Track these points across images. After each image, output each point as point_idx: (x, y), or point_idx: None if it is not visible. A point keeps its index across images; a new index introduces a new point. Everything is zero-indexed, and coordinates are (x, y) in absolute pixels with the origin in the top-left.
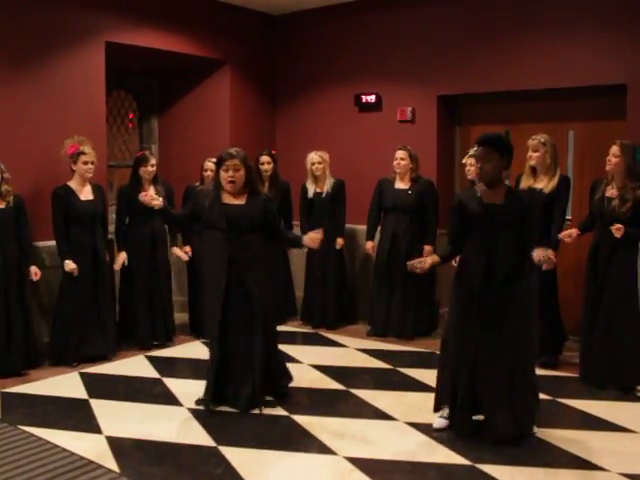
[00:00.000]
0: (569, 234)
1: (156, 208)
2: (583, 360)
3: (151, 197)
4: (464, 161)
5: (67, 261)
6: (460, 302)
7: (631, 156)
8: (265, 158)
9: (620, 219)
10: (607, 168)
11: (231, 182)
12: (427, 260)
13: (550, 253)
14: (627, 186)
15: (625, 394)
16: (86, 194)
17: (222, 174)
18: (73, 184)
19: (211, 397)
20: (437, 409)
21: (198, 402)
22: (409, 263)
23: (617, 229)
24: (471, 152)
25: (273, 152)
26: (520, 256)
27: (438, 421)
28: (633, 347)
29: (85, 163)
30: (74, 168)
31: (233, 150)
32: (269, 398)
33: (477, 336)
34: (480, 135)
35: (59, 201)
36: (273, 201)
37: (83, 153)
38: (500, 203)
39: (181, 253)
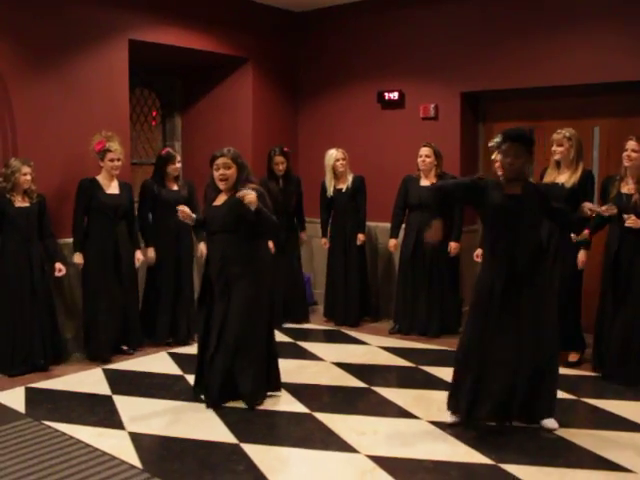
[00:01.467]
0: (581, 262)
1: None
2: (599, 358)
3: (188, 214)
4: (493, 157)
5: (77, 254)
6: (481, 299)
7: None
8: (279, 159)
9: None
10: (626, 164)
11: (222, 180)
12: (435, 225)
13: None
14: None
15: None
16: (112, 189)
17: (214, 173)
18: (100, 178)
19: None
20: (450, 409)
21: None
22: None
23: (631, 220)
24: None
25: (286, 149)
26: (540, 249)
27: (451, 417)
28: None
29: (112, 160)
30: (101, 164)
31: (225, 149)
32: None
33: (497, 332)
34: (507, 130)
35: (83, 191)
36: (260, 196)
37: (109, 150)
38: (519, 194)
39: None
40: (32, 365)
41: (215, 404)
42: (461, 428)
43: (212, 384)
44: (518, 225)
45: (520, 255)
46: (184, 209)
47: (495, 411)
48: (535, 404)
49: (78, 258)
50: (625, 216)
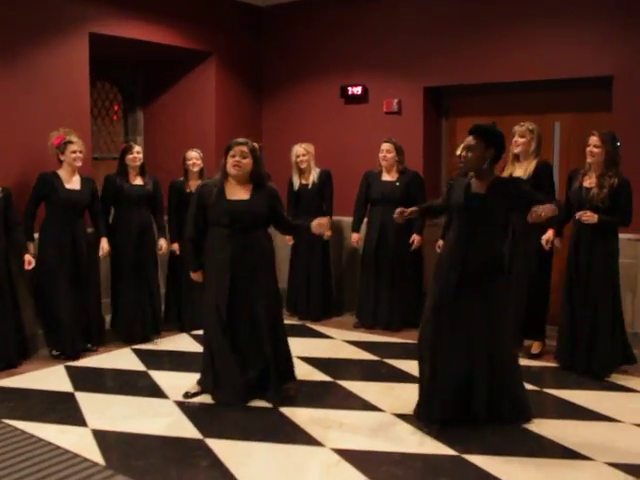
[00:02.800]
0: (546, 240)
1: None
2: (561, 349)
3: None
4: (458, 152)
5: (30, 243)
6: (435, 294)
7: (611, 145)
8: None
9: (599, 207)
10: (588, 160)
11: (236, 166)
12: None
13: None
14: (605, 174)
15: (605, 381)
16: (73, 184)
17: (229, 160)
18: (61, 172)
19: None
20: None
21: (188, 395)
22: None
23: (588, 216)
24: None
25: (259, 144)
26: (498, 250)
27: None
28: (609, 335)
29: (73, 152)
30: (62, 158)
31: (243, 139)
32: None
33: (451, 331)
34: (473, 124)
35: (42, 184)
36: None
37: (70, 142)
38: (482, 193)
39: (165, 244)
40: (4, 363)
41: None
42: (425, 422)
43: (241, 381)
44: (474, 225)
45: (473, 254)
46: (321, 222)
47: (447, 411)
48: (502, 405)
49: (31, 248)
50: (579, 213)
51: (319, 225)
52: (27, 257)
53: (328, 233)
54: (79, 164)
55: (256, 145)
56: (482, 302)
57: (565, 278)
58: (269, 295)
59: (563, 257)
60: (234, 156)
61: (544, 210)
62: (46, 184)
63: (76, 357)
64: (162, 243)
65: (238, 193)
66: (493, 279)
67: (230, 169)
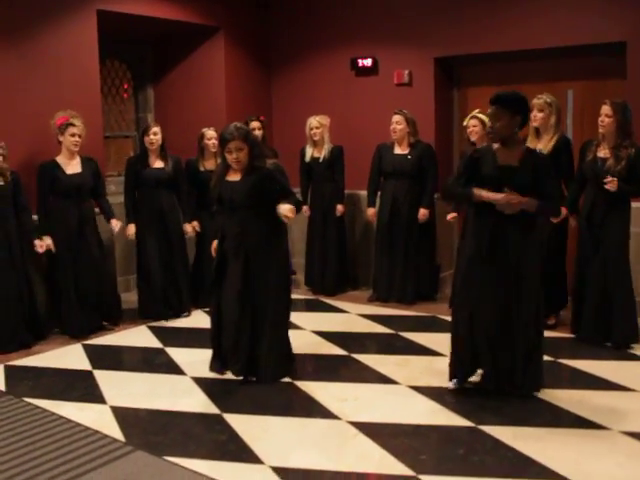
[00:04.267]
0: (572, 224)
1: None
2: (577, 319)
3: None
4: (465, 123)
5: (44, 237)
6: (468, 265)
7: (623, 114)
8: (255, 124)
9: (616, 178)
10: (600, 130)
11: (237, 162)
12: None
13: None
14: (620, 145)
15: (621, 351)
16: (73, 167)
17: (227, 155)
18: (60, 158)
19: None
20: (451, 378)
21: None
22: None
23: (611, 182)
24: (474, 113)
25: (262, 118)
26: (528, 219)
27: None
28: (624, 305)
29: (72, 135)
30: (61, 139)
31: (233, 128)
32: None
33: (486, 296)
34: (494, 93)
35: (44, 174)
36: (281, 172)
37: (72, 125)
38: (515, 165)
39: (189, 228)
40: (19, 343)
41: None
42: (441, 392)
43: (240, 356)
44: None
45: (507, 224)
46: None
47: (490, 379)
48: (525, 376)
49: (46, 240)
50: (606, 179)
51: (280, 212)
52: (37, 242)
53: (285, 218)
54: (76, 149)
55: (254, 124)
56: (512, 270)
57: (577, 249)
58: (267, 276)
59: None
60: (231, 153)
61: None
62: (47, 173)
63: (90, 336)
64: (186, 228)
65: (233, 176)
66: (524, 248)
67: (232, 164)
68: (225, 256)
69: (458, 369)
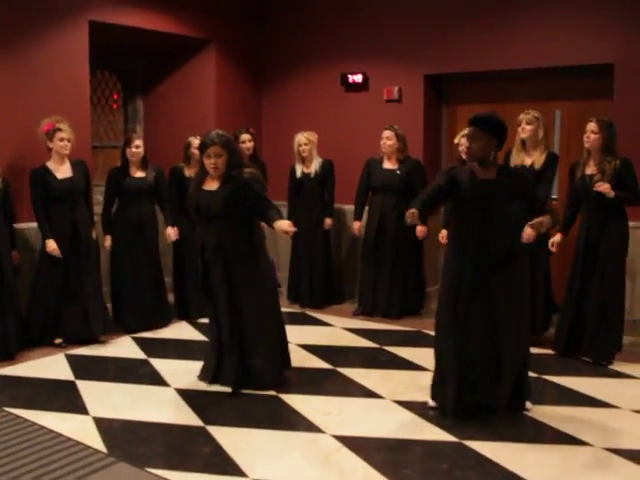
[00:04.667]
0: (552, 243)
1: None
2: (561, 336)
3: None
4: (456, 140)
5: (48, 241)
6: (452, 283)
7: (608, 132)
8: (246, 136)
9: (604, 193)
10: (586, 145)
11: (215, 168)
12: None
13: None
14: (604, 160)
15: (605, 367)
16: (64, 172)
17: (205, 160)
18: (51, 164)
19: (207, 375)
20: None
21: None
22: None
23: (605, 188)
24: (465, 131)
25: (251, 130)
26: (517, 234)
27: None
28: (614, 322)
29: (61, 140)
30: (50, 146)
31: (214, 135)
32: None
33: (469, 318)
34: (473, 114)
35: (36, 182)
36: (258, 182)
37: (59, 130)
38: (492, 178)
39: (171, 232)
40: (5, 353)
41: (236, 389)
42: (427, 408)
43: (233, 370)
44: (491, 208)
45: (493, 239)
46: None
47: (478, 399)
48: (514, 392)
49: (50, 245)
50: (597, 185)
51: (282, 227)
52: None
53: (285, 234)
54: (66, 152)
55: (244, 137)
56: (499, 288)
57: (571, 266)
58: (245, 287)
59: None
60: (209, 157)
61: (543, 224)
62: (39, 179)
63: (78, 345)
64: (169, 231)
65: (211, 183)
66: (510, 265)
67: (210, 170)
68: (207, 266)
69: (439, 390)
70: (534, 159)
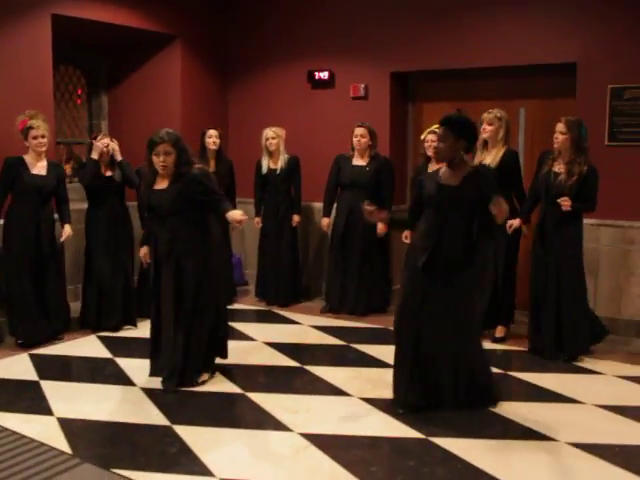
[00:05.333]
0: (510, 224)
1: None
2: (531, 333)
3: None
4: (423, 137)
5: None
6: (406, 282)
7: (577, 132)
8: (213, 132)
9: (566, 193)
10: (555, 146)
11: (163, 167)
12: (381, 214)
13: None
14: (574, 160)
15: (570, 364)
16: (39, 169)
17: (154, 158)
18: (28, 157)
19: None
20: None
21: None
22: (366, 208)
23: (564, 201)
24: (432, 128)
25: (218, 128)
26: (469, 240)
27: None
28: (578, 318)
29: (35, 137)
30: (26, 144)
31: (164, 133)
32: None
33: (421, 316)
34: (444, 114)
35: (7, 170)
36: (207, 176)
37: (32, 128)
38: (455, 185)
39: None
40: None
41: (177, 386)
42: (392, 404)
43: (175, 365)
44: (446, 216)
45: (445, 244)
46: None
47: (425, 397)
48: (470, 390)
49: None
50: (560, 200)
51: (234, 217)
52: None
53: (238, 224)
54: (42, 149)
55: (212, 132)
56: (450, 289)
57: (531, 261)
58: (198, 281)
59: (529, 242)
60: (158, 155)
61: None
62: (11, 169)
63: (40, 345)
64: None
65: (162, 183)
66: (463, 268)
67: (158, 169)
68: (159, 262)
69: (401, 388)
70: (491, 158)
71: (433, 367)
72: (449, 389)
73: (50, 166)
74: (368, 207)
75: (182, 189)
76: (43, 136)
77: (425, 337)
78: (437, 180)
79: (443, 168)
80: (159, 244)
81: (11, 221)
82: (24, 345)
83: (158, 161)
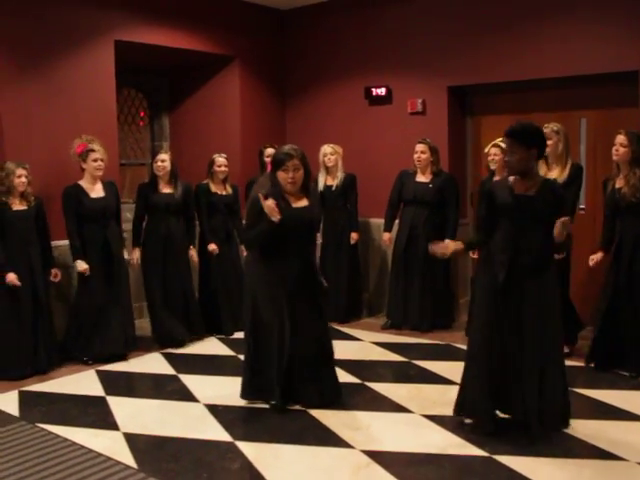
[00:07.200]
0: (592, 258)
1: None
2: (597, 349)
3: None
4: (486, 150)
5: (78, 261)
6: (484, 295)
7: (637, 145)
8: (271, 150)
9: (632, 202)
10: (614, 158)
11: (293, 183)
12: (450, 245)
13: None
14: (631, 172)
15: (634, 380)
16: (97, 192)
17: (281, 174)
18: (83, 183)
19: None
20: (457, 413)
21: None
22: (431, 246)
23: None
24: (496, 141)
25: (276, 146)
26: (547, 251)
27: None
28: None
29: (95, 160)
30: (84, 167)
31: (290, 149)
32: None
33: (503, 331)
34: (509, 126)
35: (69, 200)
36: None
37: (92, 150)
38: (532, 195)
39: (194, 253)
40: (36, 369)
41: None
42: (456, 422)
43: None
44: (525, 225)
45: (525, 253)
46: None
47: (506, 411)
48: (546, 409)
49: (81, 265)
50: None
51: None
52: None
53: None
54: (100, 173)
55: (302, 151)
56: (531, 302)
57: (605, 281)
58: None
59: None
60: (287, 171)
61: (565, 222)
62: (72, 197)
63: (109, 362)
64: (192, 253)
65: (301, 201)
66: (542, 278)
67: (286, 186)
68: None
69: (468, 404)
70: (557, 173)
71: (514, 384)
72: (530, 408)
73: (106, 186)
74: (436, 248)
75: (316, 209)
76: (102, 160)
77: (507, 353)
78: (510, 190)
79: (512, 178)
80: (289, 262)
81: (81, 246)
82: (88, 362)
83: (287, 177)
